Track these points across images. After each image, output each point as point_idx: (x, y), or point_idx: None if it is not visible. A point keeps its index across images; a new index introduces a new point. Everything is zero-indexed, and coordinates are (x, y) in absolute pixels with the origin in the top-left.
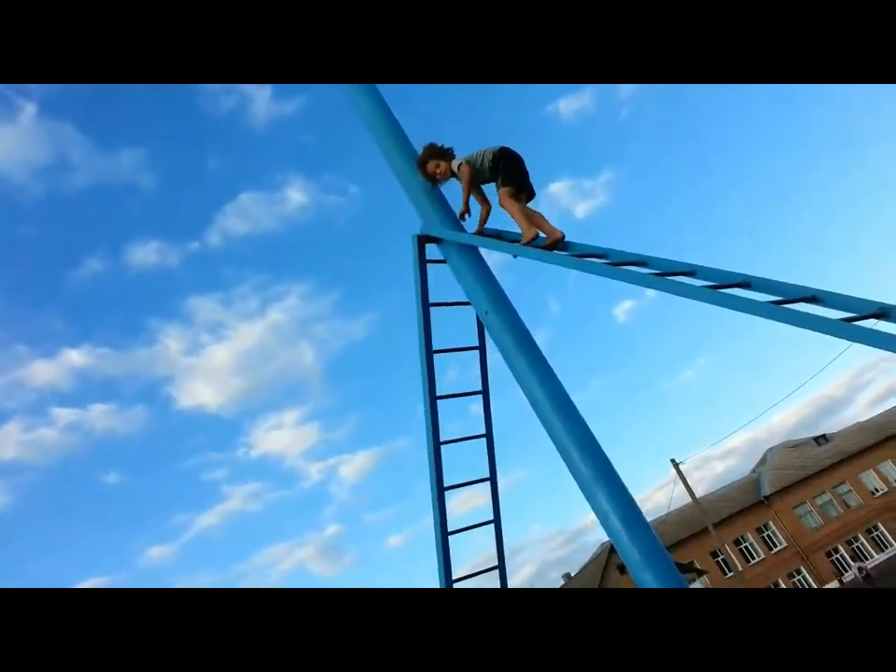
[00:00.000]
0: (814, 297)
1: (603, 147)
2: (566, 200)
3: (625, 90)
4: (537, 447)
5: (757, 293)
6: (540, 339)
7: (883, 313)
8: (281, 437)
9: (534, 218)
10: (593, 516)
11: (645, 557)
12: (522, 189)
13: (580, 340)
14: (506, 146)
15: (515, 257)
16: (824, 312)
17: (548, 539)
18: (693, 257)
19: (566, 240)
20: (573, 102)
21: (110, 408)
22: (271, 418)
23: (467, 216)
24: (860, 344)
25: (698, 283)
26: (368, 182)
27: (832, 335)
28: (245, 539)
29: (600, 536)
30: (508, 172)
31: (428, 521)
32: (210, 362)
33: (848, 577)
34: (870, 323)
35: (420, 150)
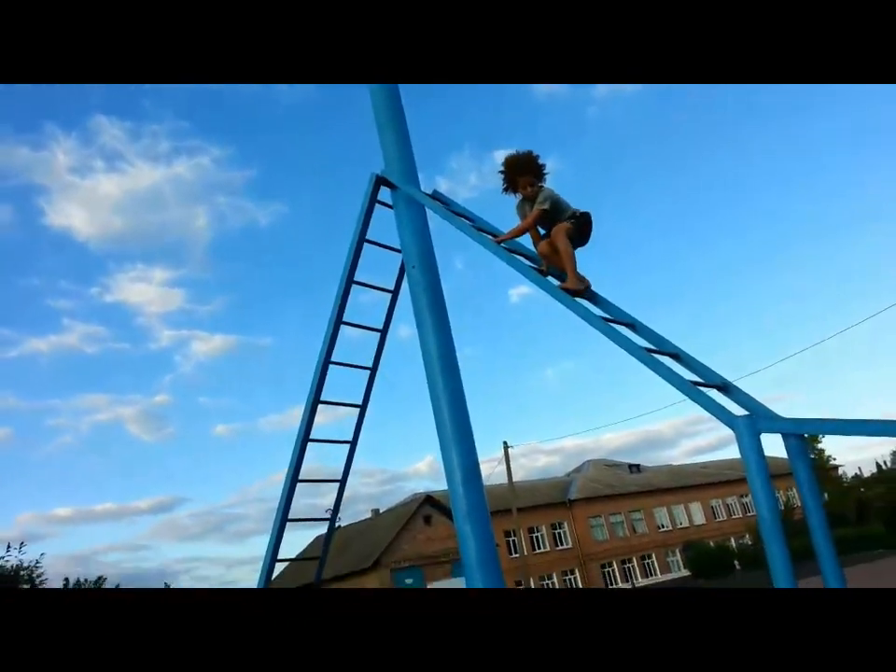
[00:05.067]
0: (676, 354)
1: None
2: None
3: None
4: (402, 388)
5: (639, 337)
6: None
7: (724, 386)
8: (142, 291)
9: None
10: (419, 465)
11: (470, 511)
12: (578, 242)
13: (471, 305)
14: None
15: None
16: (680, 369)
17: (368, 473)
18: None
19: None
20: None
21: None
22: (138, 269)
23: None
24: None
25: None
26: (339, 86)
27: (677, 389)
28: (69, 376)
29: (416, 486)
30: (578, 228)
31: (263, 423)
32: (95, 189)
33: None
34: (712, 392)
35: (518, 153)
